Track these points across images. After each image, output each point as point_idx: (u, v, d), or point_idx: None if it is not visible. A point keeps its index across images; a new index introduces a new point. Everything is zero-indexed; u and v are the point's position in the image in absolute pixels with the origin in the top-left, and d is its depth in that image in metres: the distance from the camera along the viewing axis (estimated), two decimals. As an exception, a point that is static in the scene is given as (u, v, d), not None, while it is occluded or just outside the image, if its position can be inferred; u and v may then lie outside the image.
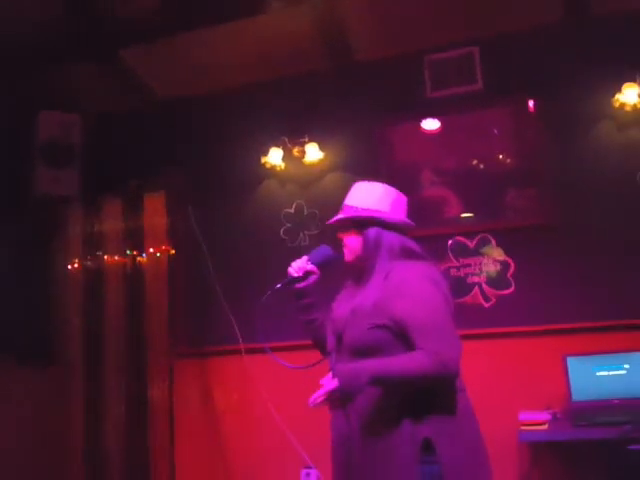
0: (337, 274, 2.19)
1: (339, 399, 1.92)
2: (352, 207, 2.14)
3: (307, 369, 2.02)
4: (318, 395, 1.89)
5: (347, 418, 1.98)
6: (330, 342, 2.12)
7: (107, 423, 4.16)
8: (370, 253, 2.08)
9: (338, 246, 2.19)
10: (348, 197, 2.19)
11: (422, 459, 1.86)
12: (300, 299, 2.25)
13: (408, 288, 1.96)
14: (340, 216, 2.16)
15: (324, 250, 2.25)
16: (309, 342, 2.37)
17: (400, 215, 2.15)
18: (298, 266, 2.20)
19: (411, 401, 1.90)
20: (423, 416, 1.89)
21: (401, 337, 1.94)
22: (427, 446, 1.87)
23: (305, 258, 2.22)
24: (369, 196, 2.15)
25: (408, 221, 2.16)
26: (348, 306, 2.06)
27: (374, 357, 1.92)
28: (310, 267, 2.20)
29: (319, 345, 2.28)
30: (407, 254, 2.08)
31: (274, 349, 2.23)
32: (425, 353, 1.85)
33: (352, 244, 2.14)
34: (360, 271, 2.13)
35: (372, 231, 2.09)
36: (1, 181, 4.03)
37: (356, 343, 1.99)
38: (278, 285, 2.19)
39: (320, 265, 2.22)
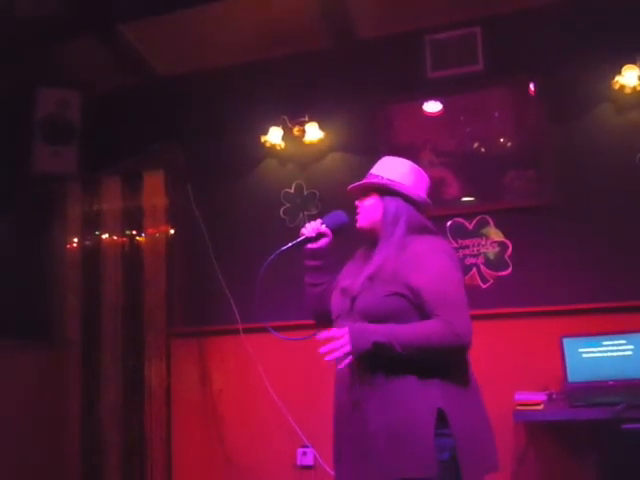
0: (347, 243, 2.20)
1: (348, 355, 1.86)
2: (378, 176, 2.17)
3: (305, 340, 2.03)
4: (328, 348, 1.85)
5: (354, 386, 1.99)
6: (339, 307, 2.11)
7: (104, 401, 4.16)
8: (388, 222, 2.09)
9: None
10: (374, 167, 2.23)
11: (435, 432, 1.86)
12: (310, 260, 2.26)
13: (425, 260, 1.98)
14: (364, 182, 2.19)
15: (339, 215, 2.26)
16: (310, 322, 2.37)
17: (422, 193, 2.18)
18: (312, 227, 2.21)
19: (425, 371, 1.90)
20: (436, 387, 1.90)
21: (416, 307, 1.95)
22: (440, 418, 1.88)
23: (319, 221, 2.23)
24: (395, 169, 2.18)
25: (428, 200, 2.20)
26: (363, 273, 2.05)
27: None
28: (324, 229, 2.21)
29: (317, 313, 2.29)
30: (423, 230, 2.12)
31: (274, 328, 2.24)
32: (439, 322, 1.87)
33: (371, 210, 2.15)
34: (372, 241, 2.14)
35: (394, 201, 2.12)
36: (-1, 158, 4.03)
37: (370, 309, 1.99)
38: (290, 244, 2.19)
39: (334, 229, 2.23)
